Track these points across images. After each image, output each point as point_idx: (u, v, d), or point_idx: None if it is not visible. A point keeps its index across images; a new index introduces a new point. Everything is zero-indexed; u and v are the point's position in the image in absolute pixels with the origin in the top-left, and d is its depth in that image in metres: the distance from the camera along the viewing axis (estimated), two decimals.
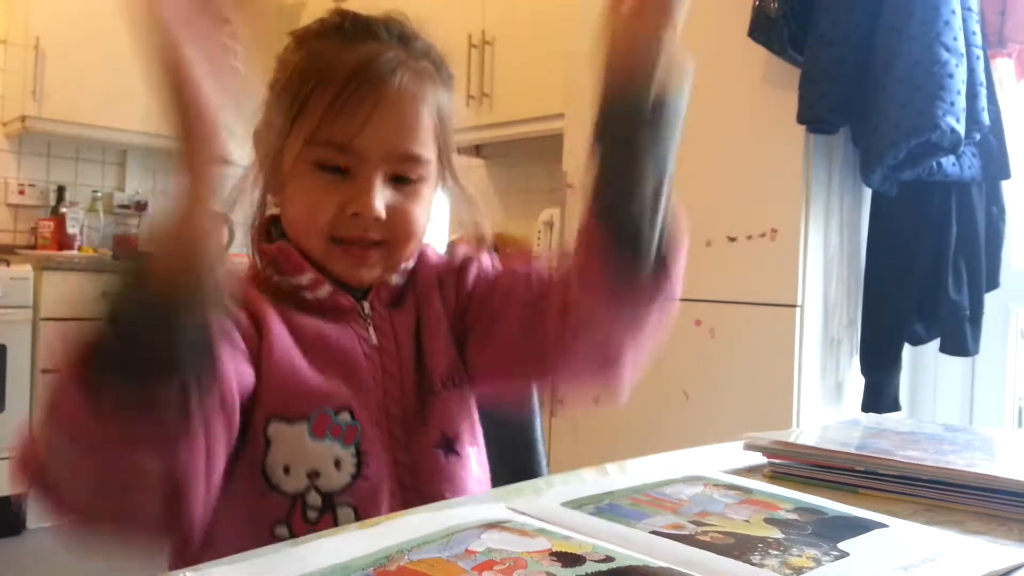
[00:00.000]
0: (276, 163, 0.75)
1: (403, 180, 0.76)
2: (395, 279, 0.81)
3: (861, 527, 0.52)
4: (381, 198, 0.73)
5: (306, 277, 0.76)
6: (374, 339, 0.78)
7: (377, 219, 0.73)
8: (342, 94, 0.72)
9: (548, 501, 0.56)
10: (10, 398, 2.77)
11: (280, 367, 0.70)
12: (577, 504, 0.55)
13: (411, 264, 0.82)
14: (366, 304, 0.79)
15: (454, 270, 0.84)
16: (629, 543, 0.47)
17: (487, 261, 0.86)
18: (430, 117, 0.77)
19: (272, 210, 0.80)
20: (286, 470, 0.70)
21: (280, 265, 0.76)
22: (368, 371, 0.76)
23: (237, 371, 0.66)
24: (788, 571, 0.43)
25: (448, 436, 0.78)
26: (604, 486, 0.61)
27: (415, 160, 0.76)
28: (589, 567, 0.42)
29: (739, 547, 0.46)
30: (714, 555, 0.45)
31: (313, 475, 0.70)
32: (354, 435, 0.72)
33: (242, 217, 0.79)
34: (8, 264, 2.90)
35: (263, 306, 0.73)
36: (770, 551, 0.46)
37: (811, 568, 0.44)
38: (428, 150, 0.77)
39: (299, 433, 0.70)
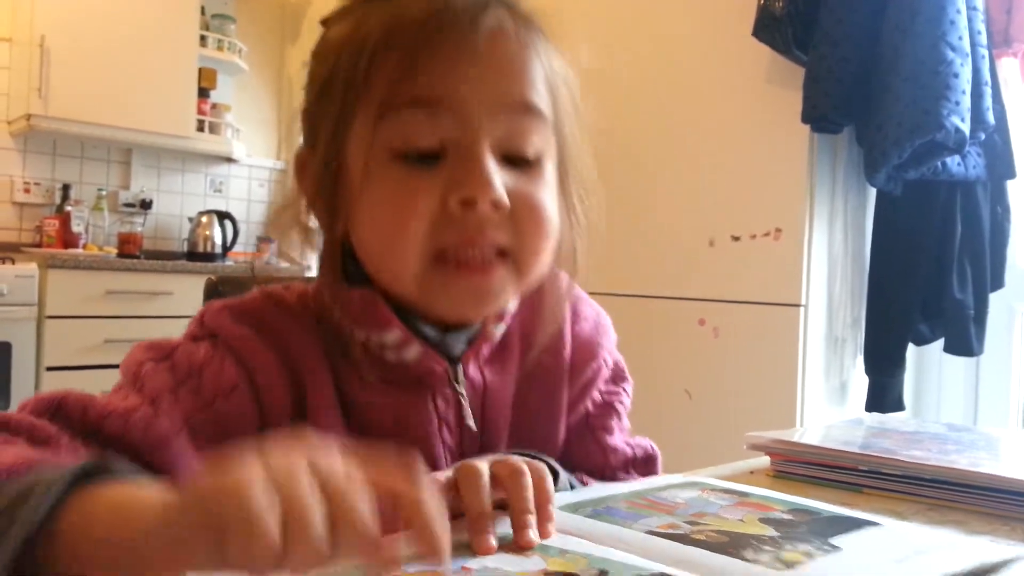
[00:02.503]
0: (338, 177, 0.56)
1: (518, 159, 0.55)
2: (500, 329, 0.62)
3: (854, 525, 0.53)
4: (498, 175, 0.53)
5: (393, 335, 0.57)
6: (469, 421, 0.60)
7: (497, 205, 0.52)
8: (421, 40, 0.52)
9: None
10: (15, 396, 2.78)
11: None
12: (574, 508, 0.55)
13: (515, 303, 0.62)
14: (459, 370, 0.60)
15: (583, 368, 0.66)
16: (624, 543, 0.47)
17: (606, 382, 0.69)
18: (543, 71, 0.56)
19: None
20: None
21: (361, 319, 0.58)
22: (439, 458, 0.59)
23: None
24: (781, 566, 0.43)
25: None
26: (602, 491, 0.62)
27: (531, 116, 0.55)
28: None
29: (733, 544, 0.47)
30: (708, 552, 0.45)
31: None
32: None
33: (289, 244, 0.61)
34: (13, 262, 2.91)
35: (318, 372, 0.56)
36: (764, 547, 0.46)
37: (803, 562, 0.44)
38: (547, 107, 0.56)
39: None
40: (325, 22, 0.60)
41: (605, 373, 0.72)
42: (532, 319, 0.64)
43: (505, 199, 0.53)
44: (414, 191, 0.53)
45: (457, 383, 0.60)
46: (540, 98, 0.56)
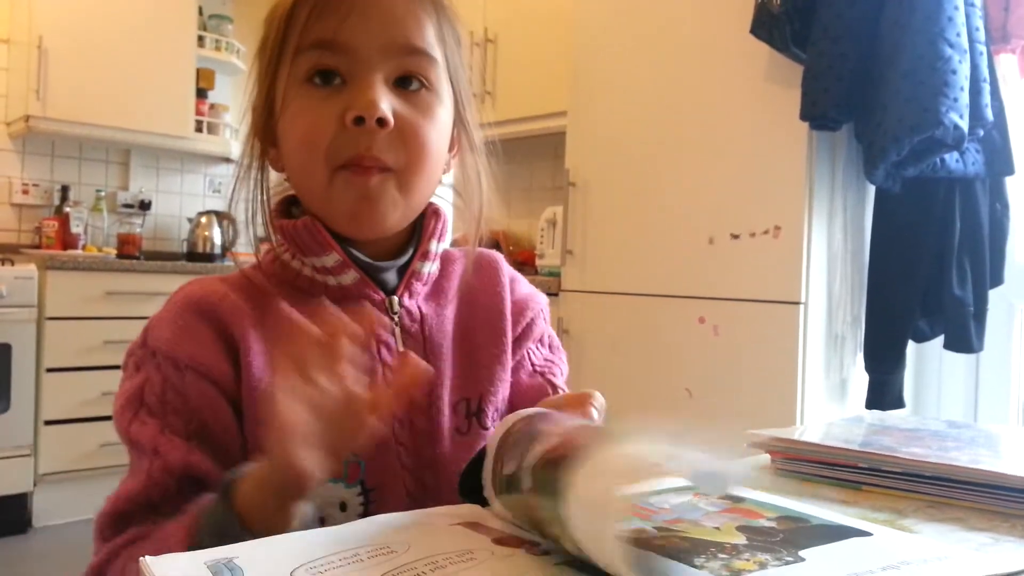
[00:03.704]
0: (270, 110, 0.68)
1: (407, 83, 0.67)
2: (427, 267, 0.73)
3: (840, 535, 0.52)
4: (386, 99, 0.64)
5: (331, 258, 0.67)
6: (400, 344, 0.69)
7: (383, 122, 0.63)
8: None
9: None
10: (15, 397, 2.78)
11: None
12: None
13: (440, 247, 0.74)
14: (395, 300, 0.70)
15: (522, 314, 0.78)
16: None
17: (543, 332, 0.80)
18: (431, 21, 0.68)
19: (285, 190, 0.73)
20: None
21: (303, 242, 0.68)
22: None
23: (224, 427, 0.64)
24: (726, 573, 0.42)
25: None
26: None
27: (418, 53, 0.67)
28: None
29: (688, 551, 0.46)
30: (654, 555, 0.44)
31: (319, 521, 0.61)
32: (357, 473, 0.65)
33: (244, 207, 0.72)
34: (12, 263, 2.91)
35: (239, 327, 0.65)
36: (720, 555, 0.45)
37: (752, 571, 0.43)
38: (434, 51, 0.68)
39: None
40: None
41: (543, 327, 0.81)
42: (459, 270, 0.77)
43: (389, 117, 0.64)
44: (318, 110, 0.65)
45: (393, 312, 0.70)
46: (428, 44, 0.67)
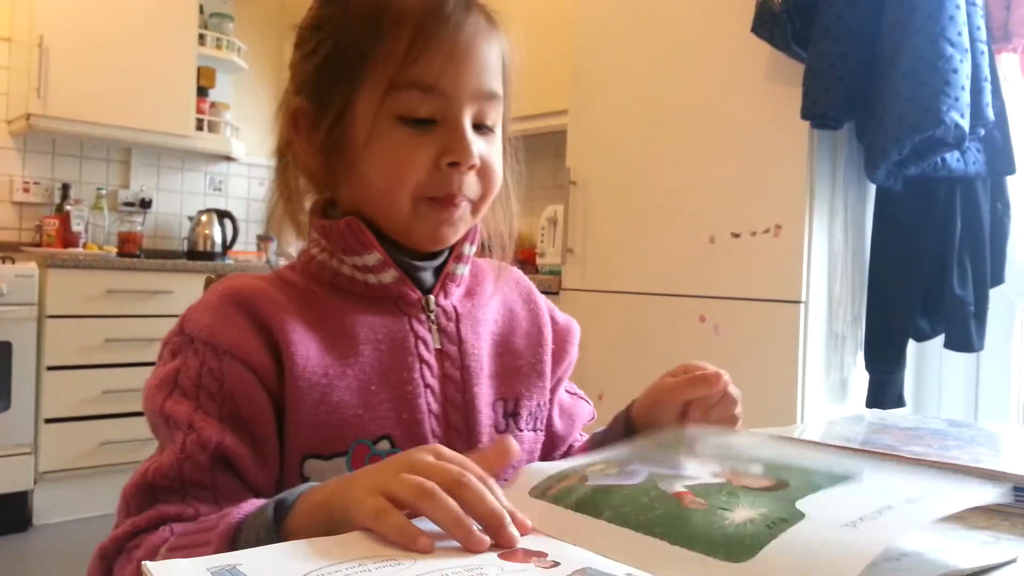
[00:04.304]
0: (342, 131, 0.69)
1: (482, 128, 0.71)
2: (460, 269, 0.76)
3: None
4: (475, 144, 0.69)
5: (373, 257, 0.70)
6: (436, 342, 0.72)
7: (473, 167, 0.69)
8: (421, 34, 0.66)
9: (515, 491, 0.55)
10: (15, 395, 2.78)
11: (307, 402, 0.65)
12: (542, 491, 0.54)
13: (472, 250, 0.77)
14: (431, 299, 0.73)
15: (566, 339, 0.83)
16: (587, 538, 0.47)
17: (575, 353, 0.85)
18: (501, 63, 0.73)
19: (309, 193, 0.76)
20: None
21: (346, 242, 0.70)
22: (420, 380, 0.70)
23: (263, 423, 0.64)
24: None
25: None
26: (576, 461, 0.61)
27: (495, 99, 0.71)
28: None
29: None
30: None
31: None
32: None
33: (273, 205, 0.74)
34: (13, 261, 2.91)
35: (278, 321, 0.66)
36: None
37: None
38: (501, 91, 0.73)
39: (337, 467, 0.65)
40: None
41: (575, 354, 0.86)
42: (489, 276, 0.81)
43: (478, 161, 0.69)
44: (414, 149, 0.68)
45: (429, 310, 0.73)
46: (498, 85, 0.72)
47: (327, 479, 0.60)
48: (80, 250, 3.26)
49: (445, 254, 0.75)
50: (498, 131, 0.74)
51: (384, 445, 0.67)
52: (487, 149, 0.71)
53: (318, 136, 0.71)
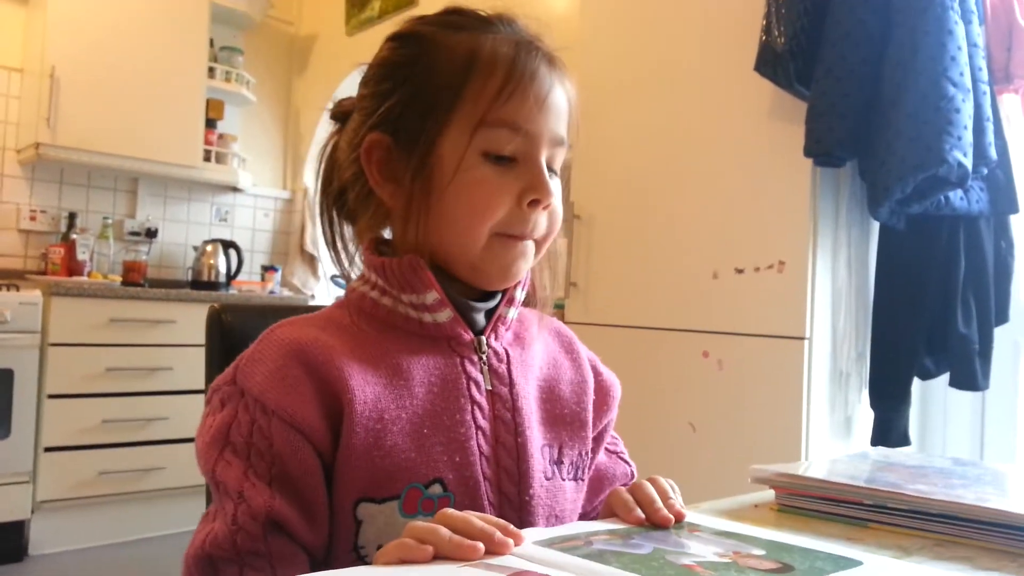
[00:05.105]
0: (427, 166, 0.72)
1: (550, 171, 0.75)
2: (511, 313, 0.78)
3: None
4: (551, 185, 0.73)
5: (431, 296, 0.71)
6: (487, 383, 0.73)
7: (548, 207, 0.73)
8: (512, 77, 0.71)
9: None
10: (16, 423, 2.77)
11: (363, 447, 0.65)
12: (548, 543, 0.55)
13: (523, 295, 0.79)
14: (483, 340, 0.74)
15: (609, 394, 0.85)
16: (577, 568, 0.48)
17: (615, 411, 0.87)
18: (567, 110, 0.76)
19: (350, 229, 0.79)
20: (380, 548, 0.64)
21: (406, 279, 0.71)
22: (471, 422, 0.70)
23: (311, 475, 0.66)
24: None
25: (556, 514, 0.74)
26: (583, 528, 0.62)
27: (563, 146, 0.76)
28: None
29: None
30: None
31: None
32: (446, 507, 0.67)
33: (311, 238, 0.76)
34: (18, 289, 2.92)
35: (343, 371, 0.66)
36: None
37: None
38: (567, 135, 0.77)
39: (390, 511, 0.65)
40: (394, 38, 0.76)
41: (614, 416, 0.87)
42: (533, 323, 0.82)
43: (552, 203, 0.73)
44: (499, 186, 0.71)
45: (481, 352, 0.74)
46: (565, 132, 0.75)
47: (379, 523, 0.65)
48: (84, 278, 3.27)
49: (498, 297, 0.77)
50: (561, 175, 0.78)
51: (436, 489, 0.67)
52: (555, 190, 0.74)
53: (397, 168, 0.73)
